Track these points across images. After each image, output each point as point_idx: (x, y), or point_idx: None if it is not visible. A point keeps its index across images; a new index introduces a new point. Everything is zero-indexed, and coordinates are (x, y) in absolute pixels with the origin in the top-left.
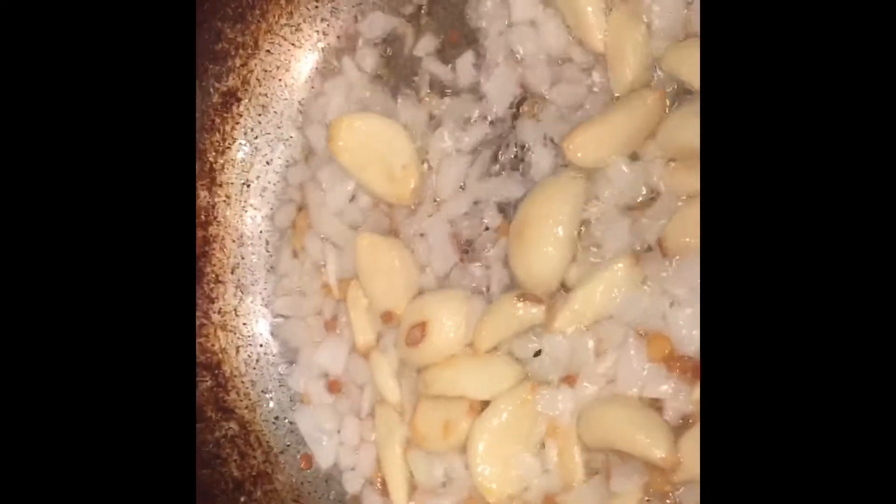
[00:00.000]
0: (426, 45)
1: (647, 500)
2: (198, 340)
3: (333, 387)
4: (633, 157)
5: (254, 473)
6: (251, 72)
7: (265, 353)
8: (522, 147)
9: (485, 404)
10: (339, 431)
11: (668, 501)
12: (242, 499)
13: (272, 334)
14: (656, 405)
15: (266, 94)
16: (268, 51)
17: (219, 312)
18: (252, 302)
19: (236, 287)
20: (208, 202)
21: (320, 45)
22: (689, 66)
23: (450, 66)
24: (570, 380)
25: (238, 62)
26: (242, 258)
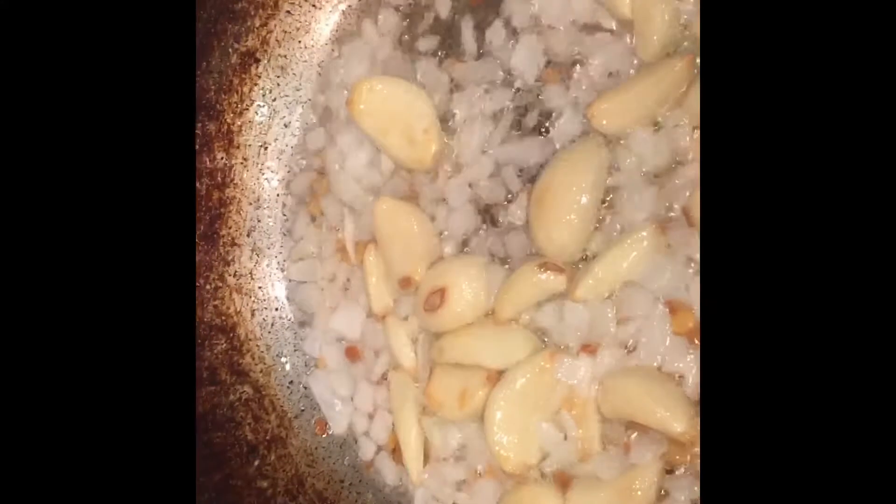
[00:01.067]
0: (447, 9)
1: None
2: (213, 303)
3: (351, 354)
4: (660, 124)
5: (268, 437)
6: (270, 32)
7: (280, 317)
8: (546, 112)
9: (502, 374)
10: (353, 397)
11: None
12: (256, 462)
13: (288, 298)
14: (677, 377)
15: (285, 56)
16: (288, 11)
17: (234, 275)
18: (268, 265)
19: (252, 250)
20: (225, 164)
21: (341, 6)
22: None
23: (474, 31)
24: (589, 348)
25: (257, 22)
26: (259, 221)
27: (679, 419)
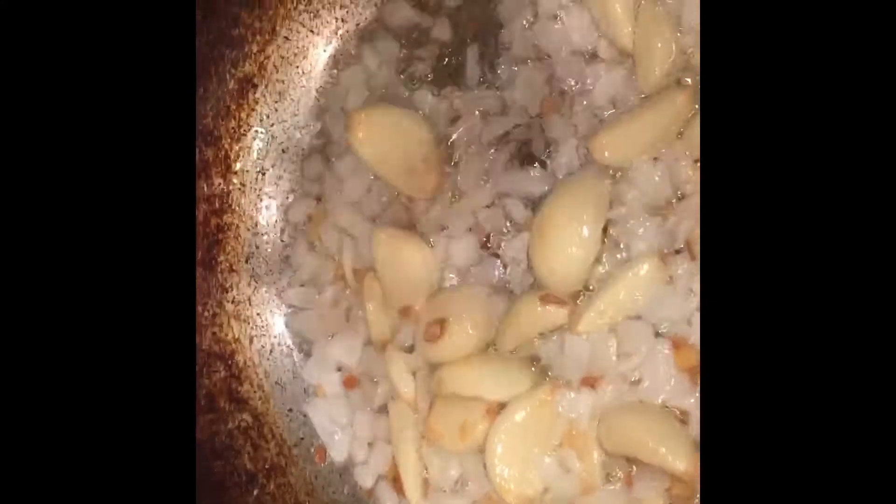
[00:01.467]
0: (448, 36)
1: None
2: (211, 330)
3: (349, 383)
4: (661, 156)
5: (267, 466)
6: (268, 58)
7: (279, 345)
8: (547, 143)
9: (503, 407)
10: (352, 426)
11: None
12: (255, 491)
13: (286, 325)
14: (679, 413)
15: (283, 81)
16: (285, 37)
17: (232, 302)
18: (266, 292)
19: (250, 276)
20: (223, 189)
21: (339, 32)
22: None
23: (474, 59)
24: (590, 382)
25: (255, 48)
26: (257, 247)
27: (681, 458)
